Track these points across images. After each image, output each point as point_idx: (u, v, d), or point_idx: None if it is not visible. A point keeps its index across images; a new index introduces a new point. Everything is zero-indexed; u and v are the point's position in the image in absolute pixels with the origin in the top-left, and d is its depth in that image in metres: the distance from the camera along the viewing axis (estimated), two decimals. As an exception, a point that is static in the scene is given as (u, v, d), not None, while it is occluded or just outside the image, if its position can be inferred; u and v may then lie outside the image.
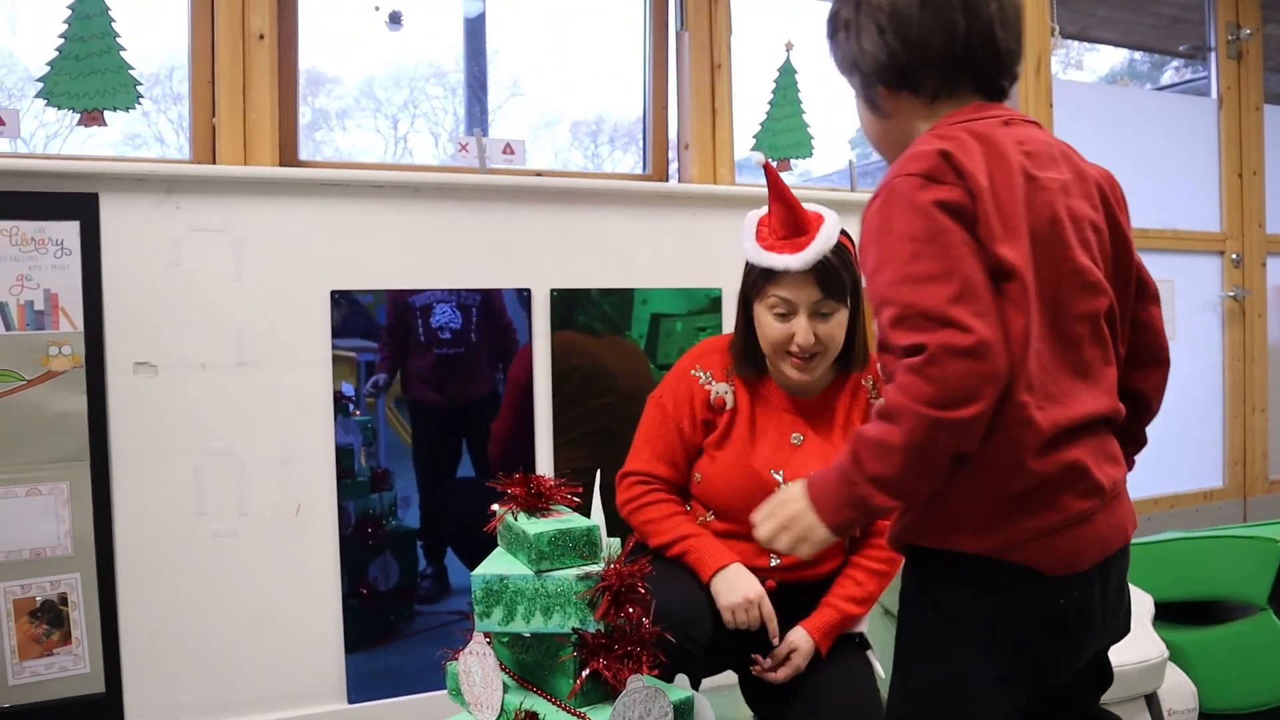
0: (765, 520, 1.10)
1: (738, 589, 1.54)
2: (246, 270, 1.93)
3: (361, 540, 2.05)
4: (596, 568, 1.19)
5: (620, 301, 2.27)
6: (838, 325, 1.60)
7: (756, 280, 1.61)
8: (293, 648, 1.98)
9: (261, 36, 2.08)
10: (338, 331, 2.02)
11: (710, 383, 1.68)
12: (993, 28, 1.11)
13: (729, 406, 1.67)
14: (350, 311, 2.03)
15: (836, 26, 1.17)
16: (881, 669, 2.07)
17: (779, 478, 1.63)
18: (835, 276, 1.56)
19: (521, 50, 2.58)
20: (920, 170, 1.03)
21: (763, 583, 1.58)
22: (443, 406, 2.14)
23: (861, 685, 1.62)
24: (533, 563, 1.19)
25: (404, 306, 2.08)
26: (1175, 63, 3.94)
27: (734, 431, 1.67)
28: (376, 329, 2.06)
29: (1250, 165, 3.68)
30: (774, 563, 1.63)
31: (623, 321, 2.28)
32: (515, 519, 1.26)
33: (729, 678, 1.79)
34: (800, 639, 1.60)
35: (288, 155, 2.18)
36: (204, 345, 1.90)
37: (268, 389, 1.95)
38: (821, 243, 1.54)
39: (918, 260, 1.00)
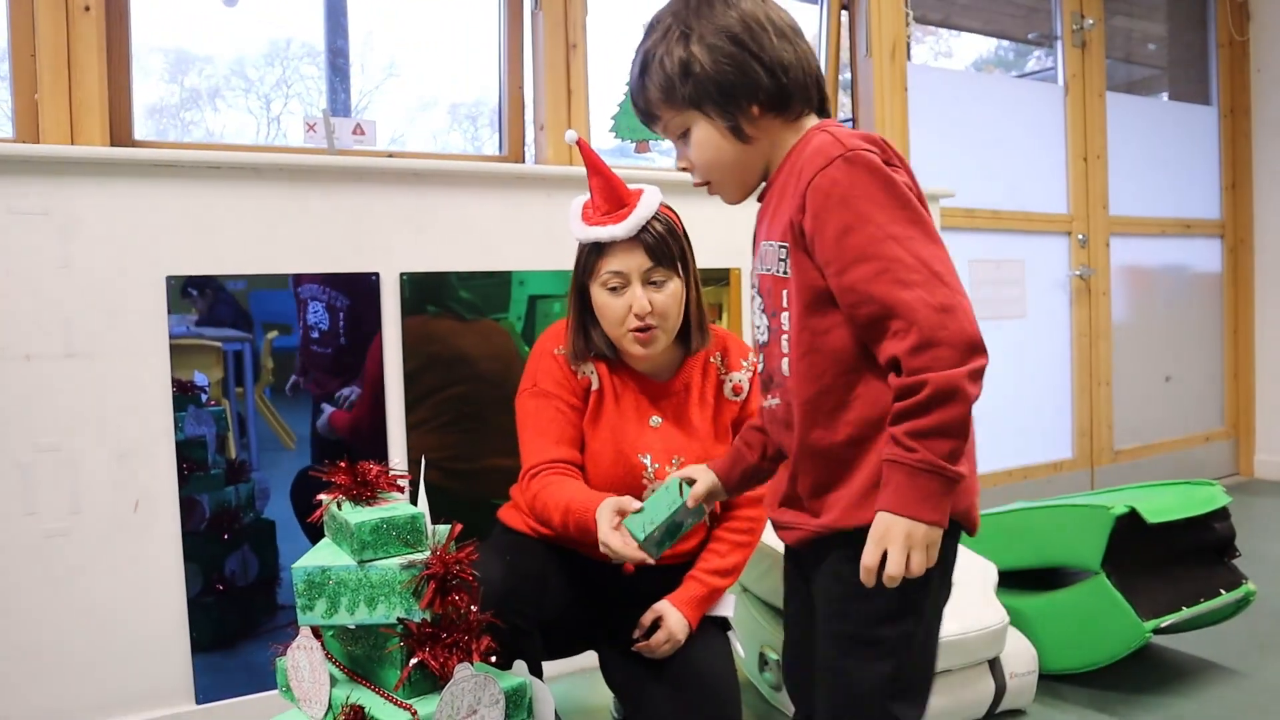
0: (888, 553, 1.05)
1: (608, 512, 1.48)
2: (75, 256, 1.84)
3: (216, 534, 1.98)
4: (421, 556, 1.17)
5: (497, 284, 2.24)
6: (672, 296, 1.61)
7: (588, 260, 1.62)
8: (135, 649, 1.90)
9: (87, 8, 1.97)
10: (202, 321, 1.95)
11: (576, 363, 1.68)
12: (812, 55, 1.20)
13: (594, 387, 1.68)
14: (217, 299, 1.96)
15: (688, 53, 1.16)
16: (743, 650, 2.11)
17: (645, 461, 1.64)
18: (663, 243, 1.59)
19: (393, 31, 2.52)
20: (874, 149, 1.09)
21: (621, 566, 1.57)
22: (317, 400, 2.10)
23: (723, 666, 1.65)
24: (355, 552, 1.17)
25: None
26: (1038, 51, 4.10)
27: (602, 412, 1.67)
28: (244, 317, 2.00)
29: (1094, 150, 3.86)
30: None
31: (499, 303, 2.25)
32: (339, 509, 1.23)
33: (588, 660, 1.80)
34: (667, 609, 1.62)
35: (120, 135, 2.08)
36: (29, 335, 1.80)
37: (100, 380, 1.86)
38: (643, 209, 1.58)
39: (897, 222, 1.05)
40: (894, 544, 1.04)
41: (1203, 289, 4.37)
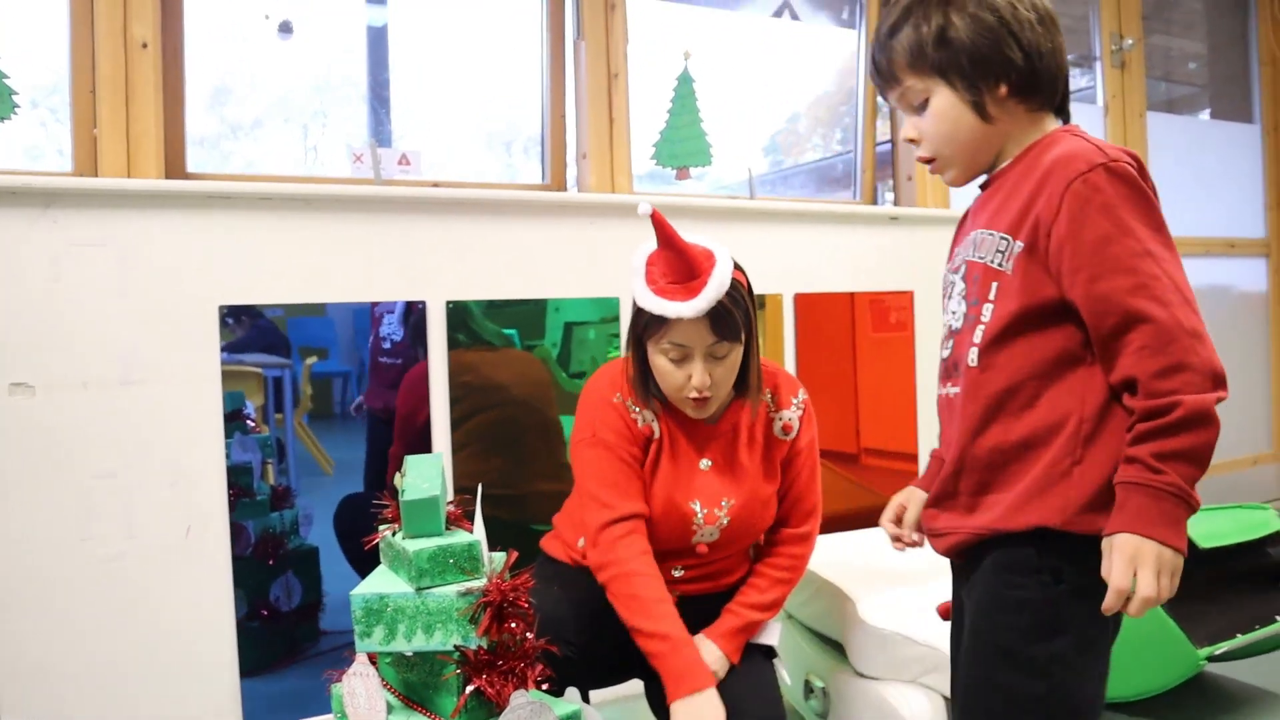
0: (1139, 575, 1.02)
1: (701, 716, 1.47)
2: (131, 286, 1.88)
3: (261, 560, 2.01)
4: (478, 583, 1.18)
5: (533, 310, 2.27)
6: (732, 365, 1.56)
7: (649, 324, 1.54)
8: (186, 672, 1.93)
9: (145, 45, 2.03)
10: (242, 346, 1.98)
11: (636, 410, 1.61)
12: (1065, 52, 1.19)
13: (655, 436, 1.62)
14: (255, 326, 2.00)
15: (947, 19, 1.14)
16: (788, 677, 2.10)
17: (695, 507, 1.61)
18: (729, 318, 1.52)
19: (430, 61, 2.56)
20: (1133, 164, 1.08)
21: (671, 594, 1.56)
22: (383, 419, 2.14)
23: (767, 695, 1.63)
24: (413, 579, 1.18)
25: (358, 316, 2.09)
26: (1076, 72, 4.08)
27: (661, 461, 1.62)
28: (283, 342, 2.03)
29: (1136, 170, 3.83)
30: (677, 574, 1.64)
31: (535, 330, 2.27)
32: (395, 536, 1.25)
33: (635, 687, 1.80)
34: (703, 643, 1.60)
35: (174, 167, 2.12)
36: (86, 364, 1.84)
37: (154, 408, 1.90)
38: (715, 289, 1.49)
39: (1155, 240, 1.05)
40: (1146, 566, 1.00)
41: (1248, 309, 4.30)
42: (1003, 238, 1.13)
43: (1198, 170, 4.10)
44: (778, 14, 3.13)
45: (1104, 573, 1.03)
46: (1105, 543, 1.04)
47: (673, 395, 1.58)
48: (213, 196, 1.95)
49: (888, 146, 3.22)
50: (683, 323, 1.50)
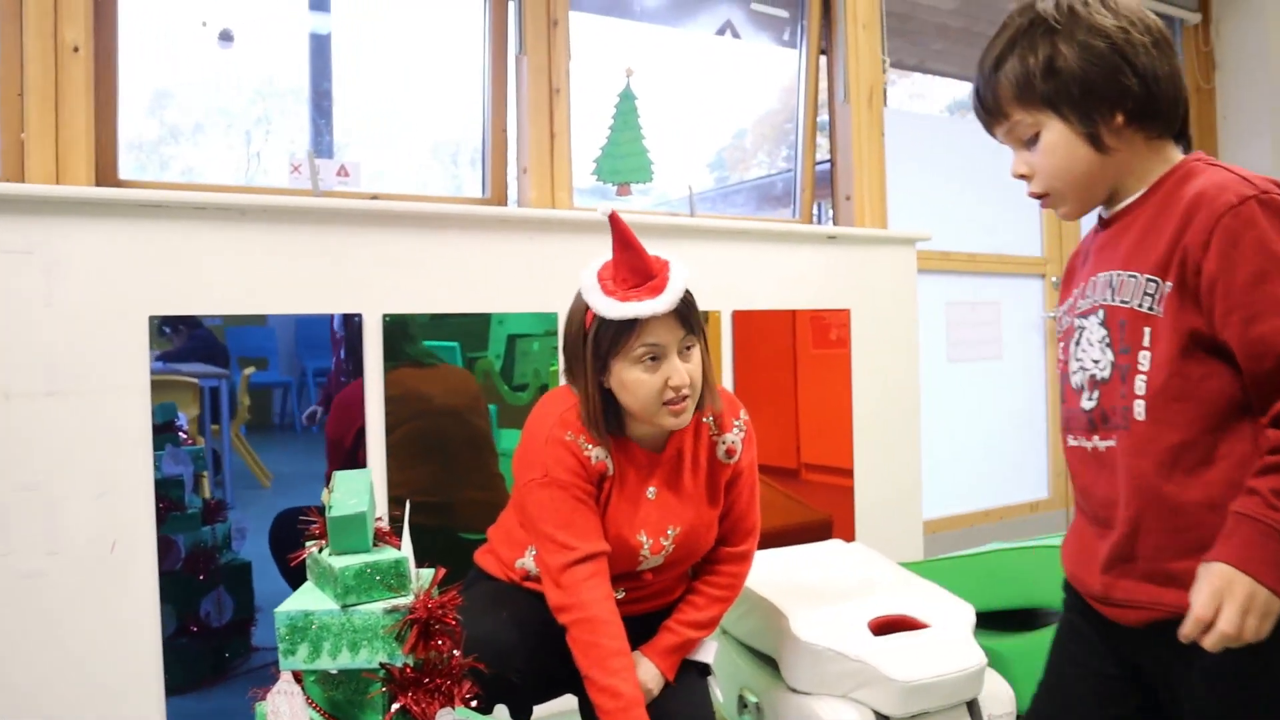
0: (1223, 608, 0.98)
1: None
2: (57, 294, 1.84)
3: (191, 575, 1.97)
4: (405, 600, 1.18)
5: (476, 323, 2.26)
6: (698, 363, 1.56)
7: (616, 336, 1.50)
8: (110, 691, 1.88)
9: (76, 49, 1.99)
10: (179, 356, 1.95)
11: (590, 448, 1.57)
12: (1183, 75, 1.14)
13: (610, 473, 1.59)
14: (193, 335, 1.96)
15: (1054, 48, 1.10)
16: (721, 695, 2.11)
17: (642, 539, 1.61)
18: (694, 314, 1.54)
19: (373, 70, 2.55)
20: None
21: None
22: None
23: (703, 712, 1.64)
24: (339, 597, 1.17)
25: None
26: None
27: (611, 499, 1.60)
28: (222, 352, 2.00)
29: (1067, 194, 3.93)
30: (619, 596, 1.63)
31: (478, 342, 2.26)
32: (322, 552, 1.23)
33: (566, 703, 1.80)
34: (639, 659, 1.61)
35: (106, 174, 2.08)
36: (8, 374, 1.79)
37: (80, 419, 1.85)
38: (679, 283, 1.50)
39: None
40: (1234, 601, 0.95)
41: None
42: (1150, 279, 1.08)
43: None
44: (720, 32, 3.17)
45: (1189, 598, 1.00)
46: (1201, 568, 1.01)
47: (649, 407, 1.53)
48: (144, 205, 1.92)
49: (827, 166, 3.28)
50: (654, 322, 1.49)
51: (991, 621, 2.22)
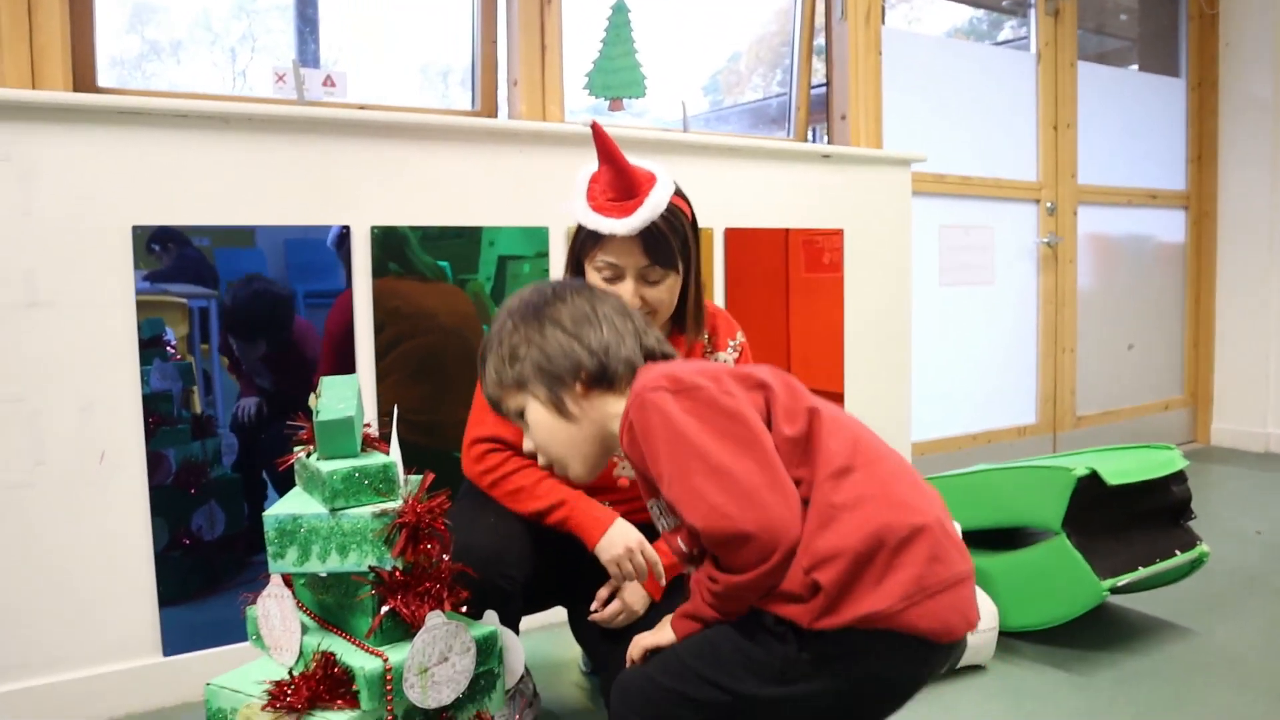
0: None
1: (618, 541, 1.51)
2: (35, 204, 1.80)
3: (183, 489, 1.97)
4: (394, 505, 1.17)
5: (466, 244, 2.23)
6: (667, 290, 1.56)
7: (585, 242, 1.55)
8: (101, 602, 1.89)
9: (49, -50, 1.92)
10: (167, 276, 1.92)
11: None
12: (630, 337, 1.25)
13: None
14: (181, 255, 1.93)
15: (513, 347, 1.22)
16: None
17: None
18: (663, 242, 1.52)
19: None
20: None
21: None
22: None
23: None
24: (328, 501, 1.16)
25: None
26: (1012, 21, 4.10)
27: None
28: (211, 274, 1.97)
29: (1065, 119, 3.89)
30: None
31: (469, 264, 2.24)
32: (310, 457, 1.23)
33: (558, 615, 1.81)
34: (629, 586, 1.61)
35: (84, 82, 2.03)
36: (-11, 284, 1.77)
37: (63, 331, 1.83)
38: (649, 209, 1.49)
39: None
40: None
41: (1166, 259, 4.42)
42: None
43: (1124, 122, 4.18)
44: (717, -54, 3.08)
45: None
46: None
47: None
48: (124, 112, 1.87)
49: (823, 90, 3.22)
50: (615, 241, 1.51)
51: (976, 540, 2.24)
